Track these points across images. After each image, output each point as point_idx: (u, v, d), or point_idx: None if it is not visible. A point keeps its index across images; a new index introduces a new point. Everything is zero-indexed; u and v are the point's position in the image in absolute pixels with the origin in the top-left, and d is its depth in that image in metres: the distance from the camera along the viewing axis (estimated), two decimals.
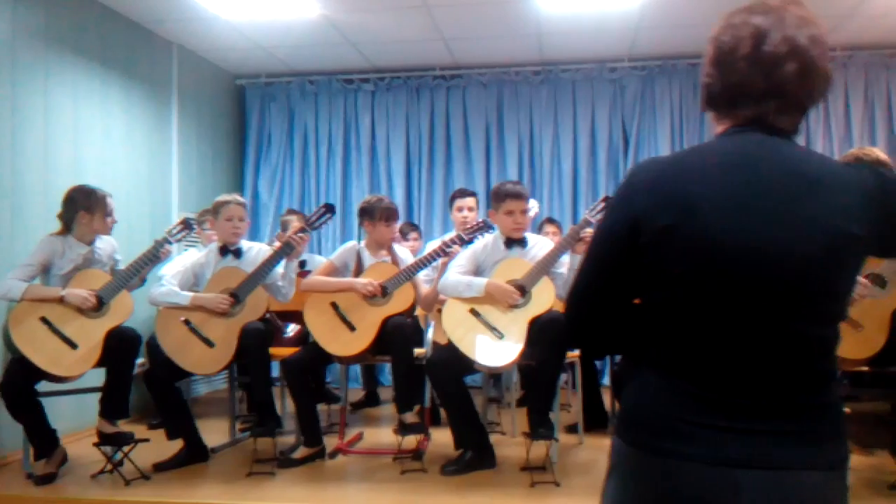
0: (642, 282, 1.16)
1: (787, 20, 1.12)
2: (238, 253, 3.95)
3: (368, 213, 3.94)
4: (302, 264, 4.71)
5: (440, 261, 3.86)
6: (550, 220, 5.39)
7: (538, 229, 5.38)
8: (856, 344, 3.22)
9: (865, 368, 3.46)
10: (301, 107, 6.44)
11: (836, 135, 5.81)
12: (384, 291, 3.79)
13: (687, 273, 1.11)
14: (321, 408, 4.34)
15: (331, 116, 6.38)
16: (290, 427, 4.18)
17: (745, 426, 1.10)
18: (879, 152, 3.44)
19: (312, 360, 3.84)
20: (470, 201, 4.66)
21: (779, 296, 1.09)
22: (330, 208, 3.95)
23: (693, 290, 1.11)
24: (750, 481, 1.07)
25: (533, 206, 4.61)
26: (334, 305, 3.81)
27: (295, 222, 4.46)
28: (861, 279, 3.22)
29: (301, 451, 3.76)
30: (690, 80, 5.87)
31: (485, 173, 6.19)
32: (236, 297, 3.76)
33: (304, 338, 4.42)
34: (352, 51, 5.79)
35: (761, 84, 1.13)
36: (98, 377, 3.68)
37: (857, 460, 3.67)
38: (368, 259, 3.98)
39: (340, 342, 3.76)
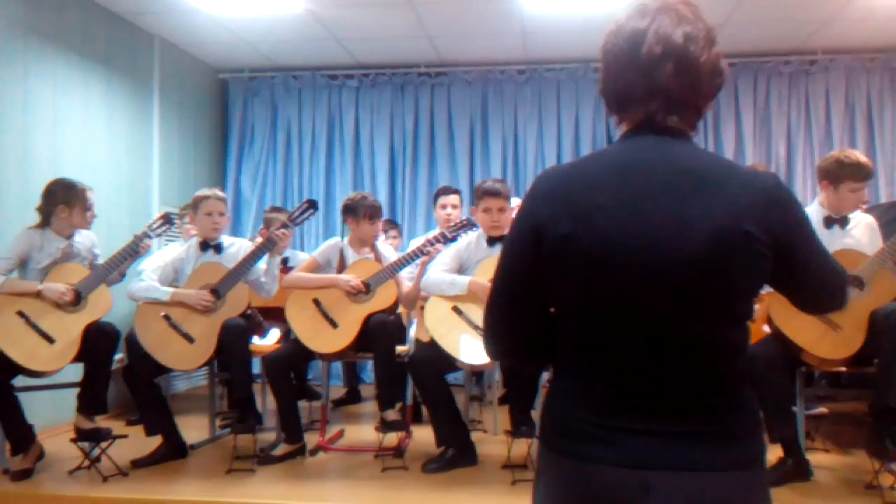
0: (550, 288, 1.18)
1: (663, 21, 1.13)
2: (218, 248, 3.92)
3: (352, 211, 3.93)
4: (284, 261, 4.69)
5: (423, 258, 3.85)
6: None
7: None
8: (834, 345, 3.25)
9: (843, 369, 3.50)
10: (285, 102, 6.40)
11: (816, 139, 5.87)
12: (367, 288, 3.78)
13: (586, 280, 1.12)
14: (302, 405, 4.31)
15: (315, 112, 6.35)
16: (270, 424, 4.15)
17: (655, 428, 1.11)
18: (860, 155, 3.48)
19: (294, 356, 3.82)
20: (453, 199, 4.66)
21: (675, 296, 1.09)
22: (312, 204, 3.93)
23: (594, 297, 1.13)
24: (660, 482, 1.08)
25: (516, 204, 4.61)
26: (316, 302, 3.79)
27: (278, 221, 4.43)
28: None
29: (281, 448, 3.74)
30: None
31: (469, 171, 6.19)
32: (217, 292, 3.73)
33: (285, 334, 4.39)
34: (336, 47, 5.76)
35: (642, 87, 1.14)
36: (76, 372, 3.64)
37: (835, 460, 3.72)
38: (351, 256, 3.97)
39: (322, 339, 3.74)
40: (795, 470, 3.31)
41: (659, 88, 1.14)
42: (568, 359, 1.20)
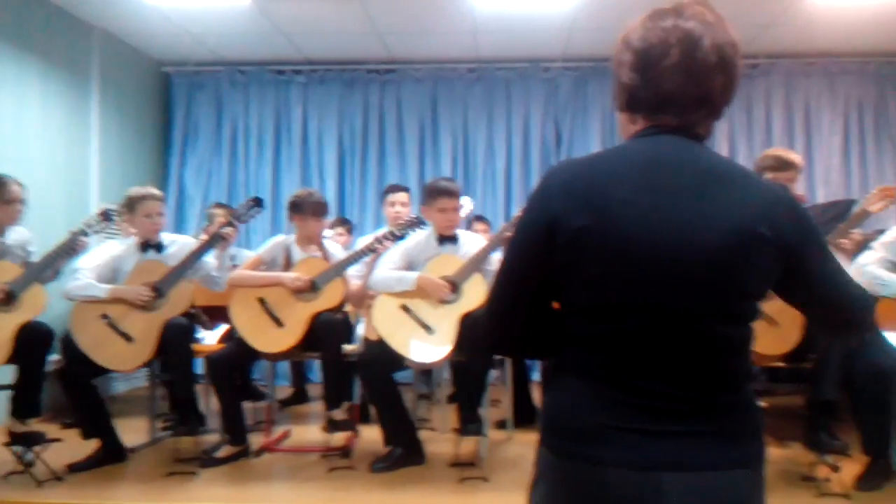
0: (560, 285, 1.15)
1: (716, 27, 1.12)
2: (159, 247, 3.81)
3: (298, 208, 3.88)
4: (231, 259, 4.59)
5: (371, 256, 3.81)
6: (480, 219, 5.41)
7: (468, 226, 5.40)
8: (772, 340, 3.33)
9: (781, 364, 3.59)
10: (230, 97, 6.27)
11: (757, 141, 6.02)
12: (314, 287, 3.73)
13: (602, 274, 1.10)
14: (247, 405, 4.24)
15: (261, 108, 6.24)
16: (213, 425, 4.06)
17: (665, 428, 1.10)
18: (795, 156, 3.57)
19: (238, 356, 3.75)
20: (403, 196, 4.63)
21: (690, 294, 1.09)
22: (258, 202, 3.86)
23: (608, 291, 1.11)
24: (672, 483, 1.08)
25: (466, 203, 4.61)
26: (262, 301, 3.72)
27: (221, 217, 4.34)
28: None
29: (225, 450, 3.66)
30: None
31: (418, 169, 6.16)
32: (159, 290, 3.63)
33: (230, 334, 4.30)
34: (284, 41, 5.67)
35: (694, 93, 1.13)
36: (8, 374, 3.51)
37: (772, 453, 3.81)
38: (298, 254, 3.91)
39: (268, 338, 3.68)
40: None
41: (709, 97, 1.13)
42: (573, 357, 1.18)
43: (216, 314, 4.31)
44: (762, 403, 4.08)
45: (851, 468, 3.23)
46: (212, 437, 3.93)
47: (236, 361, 3.82)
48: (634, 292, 1.10)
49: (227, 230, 3.70)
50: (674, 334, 1.10)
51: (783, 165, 3.50)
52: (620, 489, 1.09)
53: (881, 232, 3.57)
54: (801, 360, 3.40)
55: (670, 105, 1.14)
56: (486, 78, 6.16)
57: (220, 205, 5.18)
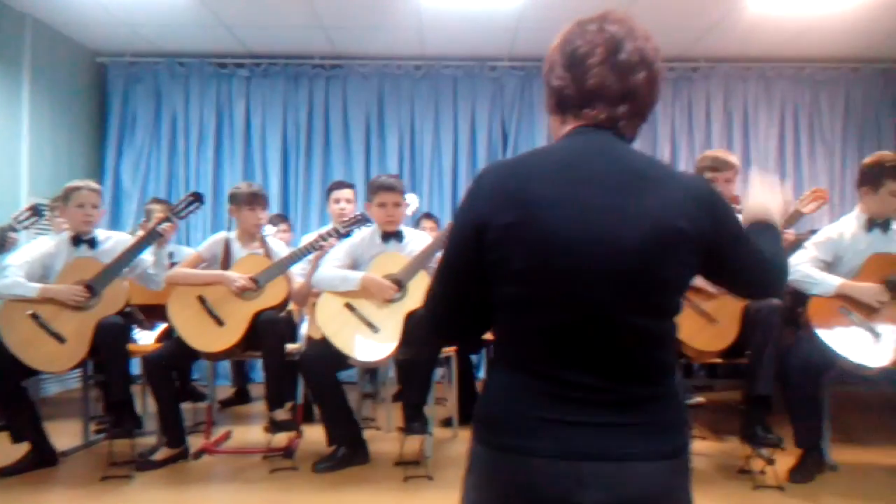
0: (491, 281, 1.19)
1: (637, 32, 1.21)
2: (93, 243, 3.68)
3: (233, 199, 3.83)
4: (169, 256, 4.46)
5: (315, 254, 3.76)
6: (428, 216, 5.40)
7: (416, 224, 5.38)
8: (711, 337, 3.41)
9: (719, 360, 3.68)
10: (170, 90, 6.10)
11: (697, 142, 6.17)
12: (255, 284, 3.65)
13: (528, 268, 1.14)
14: (186, 406, 4.14)
15: (202, 101, 6.09)
16: (151, 428, 3.94)
17: (589, 419, 1.14)
18: (734, 157, 3.66)
19: (176, 356, 3.64)
20: (347, 193, 4.58)
21: (612, 288, 1.13)
22: (198, 197, 3.76)
23: (533, 285, 1.15)
24: (593, 473, 1.11)
25: (412, 200, 4.59)
26: (201, 299, 3.63)
27: (159, 212, 4.22)
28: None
29: (162, 453, 3.56)
30: None
31: (364, 166, 6.11)
32: (92, 289, 3.51)
33: (168, 333, 4.19)
34: (226, 34, 5.55)
35: (617, 88, 1.19)
36: None
37: (710, 446, 3.91)
38: (239, 251, 3.83)
39: (208, 337, 3.59)
40: None
41: (632, 92, 1.20)
42: (504, 353, 1.23)
43: (154, 313, 4.18)
44: (700, 399, 4.19)
45: (785, 461, 3.34)
46: (148, 440, 3.82)
47: (174, 361, 3.71)
48: (558, 286, 1.14)
49: (165, 226, 3.59)
50: (597, 327, 1.14)
51: (722, 166, 3.58)
52: (545, 479, 1.12)
53: (813, 232, 3.69)
54: (738, 356, 3.48)
55: (596, 99, 1.20)
56: (433, 75, 6.14)
57: (157, 200, 5.04)
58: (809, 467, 3.31)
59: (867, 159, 3.55)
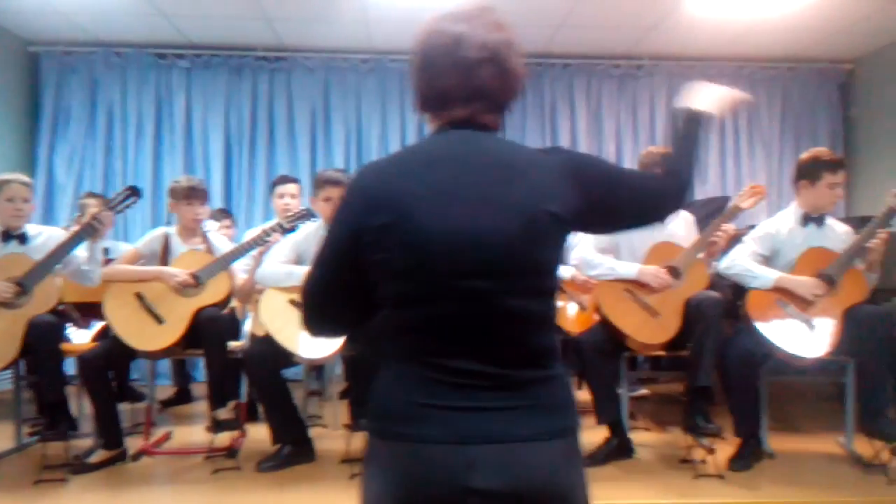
0: (374, 278, 1.22)
1: (481, 27, 1.23)
2: (23, 238, 3.54)
3: (172, 193, 3.74)
4: (104, 252, 4.31)
5: (258, 249, 3.68)
6: None
7: None
8: (654, 330, 3.46)
9: (663, 353, 3.74)
10: (106, 80, 5.88)
11: (642, 139, 6.26)
12: (196, 281, 3.56)
13: (407, 267, 1.18)
14: (124, 407, 4.03)
15: (140, 93, 5.88)
16: (87, 429, 3.82)
17: (477, 404, 1.17)
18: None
19: (113, 355, 3.52)
20: (292, 188, 4.51)
21: (489, 274, 1.17)
22: (135, 191, 3.63)
23: (414, 282, 1.18)
24: (483, 456, 1.14)
25: None
26: (139, 296, 3.52)
27: (93, 207, 4.07)
28: (659, 269, 3.47)
29: (99, 455, 3.44)
30: None
31: (310, 160, 6.01)
32: (23, 286, 3.37)
33: (105, 332, 4.05)
34: (165, 24, 5.39)
35: (463, 87, 1.22)
36: None
37: (654, 437, 3.98)
38: (179, 246, 3.73)
39: (146, 336, 3.49)
40: (619, 448, 3.50)
41: (479, 89, 1.22)
42: (392, 346, 1.24)
43: (89, 311, 4.04)
44: (645, 391, 4.25)
45: (726, 450, 3.41)
46: (84, 442, 3.69)
47: (111, 361, 3.58)
48: (438, 281, 1.17)
49: (103, 214, 3.45)
50: (479, 316, 1.18)
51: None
52: (436, 465, 1.15)
53: (752, 227, 3.78)
54: (680, 349, 3.54)
55: (448, 100, 1.23)
56: (380, 69, 6.08)
57: (92, 194, 4.86)
58: (748, 455, 3.39)
59: (804, 155, 3.66)
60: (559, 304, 4.10)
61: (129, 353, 3.56)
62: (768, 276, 3.42)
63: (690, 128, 1.43)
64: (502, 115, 1.28)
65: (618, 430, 3.52)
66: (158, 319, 3.51)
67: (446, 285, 1.17)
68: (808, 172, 3.54)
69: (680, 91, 1.48)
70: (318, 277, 1.29)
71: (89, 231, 3.44)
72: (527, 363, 1.21)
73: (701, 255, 3.57)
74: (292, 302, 3.48)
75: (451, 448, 1.14)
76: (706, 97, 1.46)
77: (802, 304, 3.37)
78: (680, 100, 1.44)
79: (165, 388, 5.16)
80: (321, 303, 1.30)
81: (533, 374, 1.21)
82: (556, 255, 1.24)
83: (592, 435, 3.62)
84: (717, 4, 4.91)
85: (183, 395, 5.02)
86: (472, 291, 1.16)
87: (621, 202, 1.31)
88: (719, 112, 1.47)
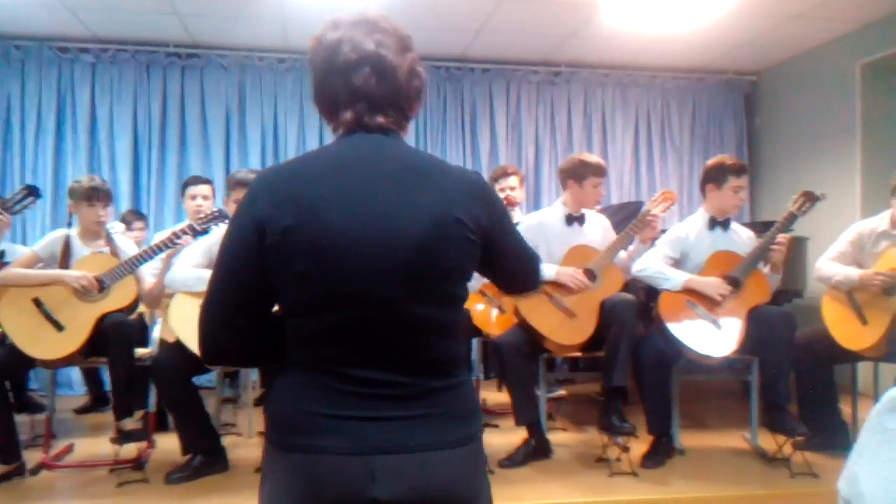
0: (275, 284, 1.19)
1: (356, 32, 1.24)
2: None
3: (71, 194, 3.57)
4: (0, 255, 4.07)
5: (167, 252, 3.54)
6: None
7: None
8: (570, 331, 3.51)
9: (579, 354, 3.80)
10: (4, 74, 5.52)
11: (560, 144, 6.37)
12: (100, 285, 3.39)
13: (310, 271, 1.15)
14: (23, 419, 3.80)
15: (41, 88, 5.55)
16: None
17: (380, 414, 1.16)
18: (598, 158, 3.81)
19: (9, 364, 3.33)
20: (204, 189, 4.36)
21: (394, 283, 1.15)
22: (33, 191, 3.45)
23: (317, 287, 1.15)
24: (384, 466, 1.13)
25: None
26: (37, 302, 3.33)
27: None
28: (576, 271, 3.53)
29: None
30: (434, 81, 6.06)
31: (224, 161, 5.82)
32: None
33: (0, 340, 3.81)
34: (68, 16, 5.12)
35: (344, 91, 1.23)
36: None
37: (571, 437, 4.04)
38: (81, 249, 3.55)
39: (45, 344, 3.30)
40: (538, 449, 3.54)
41: (359, 91, 1.22)
42: (293, 354, 1.21)
43: None
44: (563, 392, 4.31)
45: (639, 447, 3.50)
46: None
47: (7, 370, 3.39)
48: (340, 286, 1.15)
49: None
50: (383, 323, 1.16)
51: (600, 171, 3.74)
52: (336, 476, 1.13)
53: (663, 231, 3.89)
54: (596, 350, 3.61)
55: (335, 106, 1.25)
56: (298, 69, 5.96)
57: None
58: (660, 453, 3.49)
59: (710, 161, 3.81)
60: (480, 307, 4.12)
61: (26, 362, 3.37)
62: (678, 278, 3.53)
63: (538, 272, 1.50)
64: (401, 117, 1.27)
65: (536, 431, 3.56)
66: (58, 326, 3.32)
67: (349, 292, 1.15)
68: (714, 177, 3.68)
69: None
70: (218, 286, 1.21)
71: None
72: (431, 372, 1.20)
73: (616, 258, 3.63)
74: None
75: (352, 459, 1.13)
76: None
77: (710, 304, 3.49)
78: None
79: (71, 399, 4.92)
80: (223, 315, 1.21)
81: (436, 382, 1.20)
82: (464, 261, 1.22)
83: (511, 436, 3.65)
84: (631, 17, 5.06)
85: (98, 403, 4.77)
86: (375, 298, 1.15)
87: (506, 253, 1.32)
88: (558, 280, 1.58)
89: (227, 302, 1.21)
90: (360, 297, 1.15)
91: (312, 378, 1.18)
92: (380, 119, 1.23)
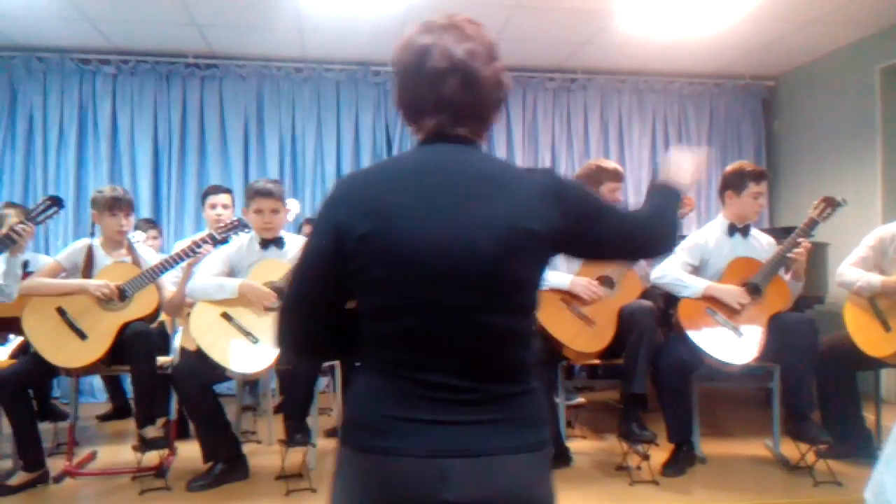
0: (352, 288, 1.22)
1: (447, 38, 1.22)
2: None
3: (94, 204, 3.61)
4: (24, 265, 4.11)
5: (188, 261, 3.57)
6: (310, 221, 5.27)
7: (298, 229, 5.24)
8: (589, 339, 3.50)
9: (598, 361, 3.79)
10: (27, 86, 5.62)
11: (576, 150, 6.36)
12: (122, 294, 3.43)
13: (386, 276, 1.18)
14: (46, 427, 3.84)
15: (63, 99, 5.63)
16: (6, 450, 3.62)
17: (452, 418, 1.17)
18: (615, 164, 3.81)
19: (32, 372, 3.37)
20: (224, 198, 4.40)
21: (468, 291, 1.17)
22: (56, 201, 3.48)
23: (393, 293, 1.18)
24: (456, 469, 1.14)
25: (293, 206, 4.46)
26: (61, 311, 3.37)
27: (13, 217, 3.88)
28: (590, 281, 3.52)
29: (19, 477, 3.29)
30: None
31: (243, 170, 5.87)
32: None
33: (24, 348, 3.86)
34: (89, 28, 5.20)
35: (431, 99, 1.23)
36: None
37: (590, 445, 4.02)
38: (103, 258, 3.58)
39: (68, 352, 3.34)
40: (557, 458, 3.52)
41: (445, 101, 1.22)
42: (369, 357, 1.24)
43: (7, 326, 3.84)
44: (581, 399, 4.29)
45: (660, 455, 3.48)
46: (4, 464, 3.53)
47: (31, 378, 3.44)
48: (416, 292, 1.17)
49: (21, 227, 3.27)
50: (457, 329, 1.18)
51: (615, 176, 3.73)
52: (409, 478, 1.15)
53: (682, 237, 3.88)
54: (615, 357, 3.59)
55: (418, 112, 1.25)
56: (315, 78, 6.01)
57: (11, 204, 4.61)
58: (681, 461, 3.46)
59: (729, 167, 3.78)
60: None
61: (49, 371, 3.41)
62: (697, 285, 3.51)
63: (669, 197, 1.46)
64: (482, 127, 1.27)
65: (556, 439, 3.54)
66: (81, 335, 3.36)
67: (424, 298, 1.17)
68: (733, 183, 3.66)
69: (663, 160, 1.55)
70: (297, 287, 1.27)
71: (7, 243, 3.27)
72: (502, 378, 1.21)
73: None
74: (224, 315, 3.38)
75: (424, 461, 1.14)
76: (679, 167, 1.51)
77: (730, 312, 3.46)
78: (661, 171, 1.48)
79: (97, 406, 4.96)
80: (301, 311, 1.26)
81: (508, 388, 1.21)
82: (535, 272, 1.24)
83: None
84: (647, 22, 5.05)
85: (120, 411, 4.81)
86: (449, 305, 1.17)
87: (602, 234, 1.31)
88: (692, 181, 1.53)
89: (306, 299, 1.26)
90: (432, 303, 1.17)
91: (387, 381, 1.20)
92: (462, 130, 1.24)
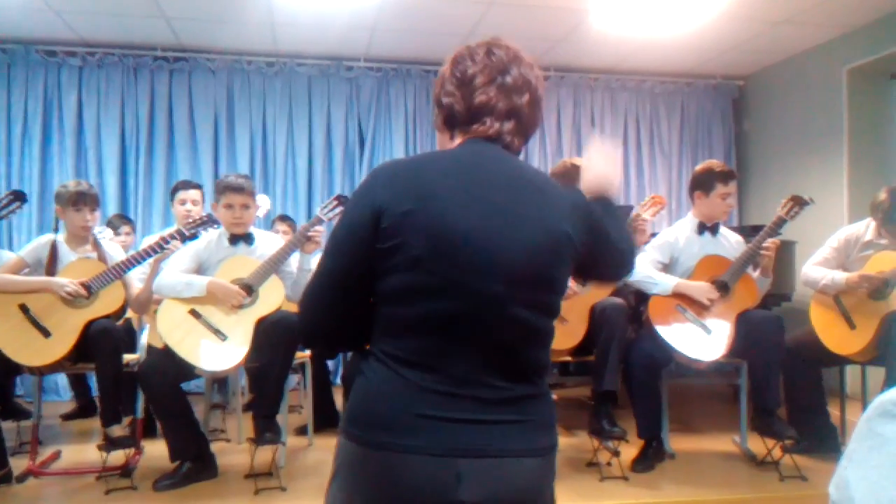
0: (380, 271, 1.20)
1: (523, 60, 1.33)
2: None
3: (58, 198, 3.54)
4: None
5: (156, 257, 3.51)
6: (283, 218, 5.22)
7: (270, 226, 5.19)
8: (562, 336, 3.50)
9: (570, 358, 3.81)
10: None
11: (549, 147, 6.38)
12: (88, 291, 3.36)
13: (427, 253, 1.16)
14: (9, 425, 3.75)
15: (27, 92, 5.50)
16: None
17: (468, 417, 1.16)
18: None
19: None
20: (194, 194, 4.34)
21: (505, 282, 1.18)
22: (19, 196, 3.42)
23: (428, 271, 1.16)
24: (470, 469, 1.14)
25: (263, 202, 4.42)
26: (24, 308, 3.30)
27: None
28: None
29: None
30: (424, 85, 6.07)
31: (213, 165, 5.79)
32: None
33: None
34: (55, 19, 5.09)
35: (504, 106, 1.29)
36: None
37: (561, 442, 3.99)
38: (68, 254, 3.52)
39: (31, 350, 3.27)
40: None
41: (517, 111, 1.30)
42: (382, 346, 1.22)
43: None
44: (553, 396, 4.30)
45: (630, 451, 3.50)
46: None
47: None
48: (455, 274, 1.16)
49: None
50: (488, 318, 1.18)
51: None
52: (422, 476, 1.13)
53: (653, 235, 3.90)
54: (586, 354, 3.61)
55: (484, 115, 1.29)
56: (286, 73, 5.95)
57: None
58: (651, 457, 3.49)
59: (698, 167, 3.81)
60: None
61: (12, 369, 3.34)
62: (667, 282, 3.54)
63: (607, 216, 1.42)
64: (523, 142, 1.34)
65: None
66: (45, 332, 3.29)
67: (462, 281, 1.16)
68: (702, 183, 3.69)
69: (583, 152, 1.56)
70: (326, 267, 1.25)
71: None
72: (522, 377, 1.22)
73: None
74: (192, 312, 3.34)
75: (439, 460, 1.14)
76: (600, 175, 1.48)
77: (699, 309, 3.50)
78: (582, 183, 1.49)
79: (67, 404, 4.87)
80: (327, 298, 1.25)
81: (527, 389, 1.22)
82: (565, 275, 1.28)
83: None
84: (620, 21, 5.08)
85: (85, 409, 4.72)
86: (480, 290, 1.17)
87: (604, 257, 1.39)
88: (617, 183, 1.52)
89: (333, 286, 1.25)
90: (467, 286, 1.16)
91: (400, 372, 1.18)
92: (517, 139, 1.32)
